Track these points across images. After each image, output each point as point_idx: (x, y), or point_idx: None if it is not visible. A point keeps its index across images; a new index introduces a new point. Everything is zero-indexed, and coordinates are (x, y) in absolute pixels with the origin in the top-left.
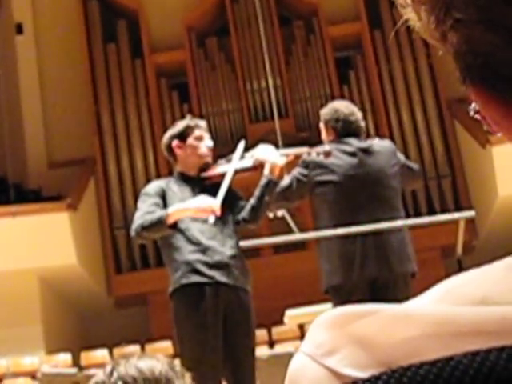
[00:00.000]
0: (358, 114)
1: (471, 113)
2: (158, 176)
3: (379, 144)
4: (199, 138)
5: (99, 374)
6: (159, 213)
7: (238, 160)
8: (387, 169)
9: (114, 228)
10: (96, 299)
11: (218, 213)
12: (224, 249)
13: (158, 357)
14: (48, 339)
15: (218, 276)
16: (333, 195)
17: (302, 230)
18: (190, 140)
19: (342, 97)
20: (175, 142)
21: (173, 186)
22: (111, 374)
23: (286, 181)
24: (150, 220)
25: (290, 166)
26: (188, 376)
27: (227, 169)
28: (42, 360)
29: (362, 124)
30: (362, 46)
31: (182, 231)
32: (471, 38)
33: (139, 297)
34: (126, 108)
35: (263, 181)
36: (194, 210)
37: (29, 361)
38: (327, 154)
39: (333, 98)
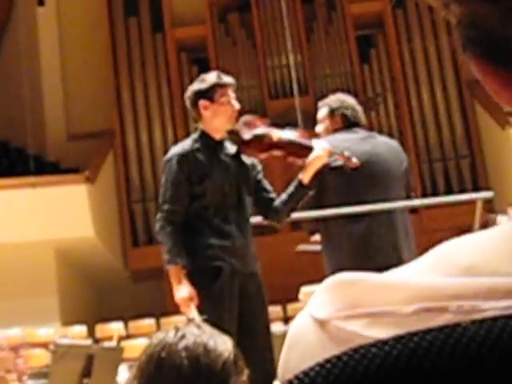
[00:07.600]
0: (349, 102)
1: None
2: None
3: (384, 139)
4: (227, 100)
5: (169, 334)
6: (170, 252)
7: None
8: (392, 161)
9: (131, 201)
10: (112, 272)
11: (195, 306)
12: (242, 235)
13: (227, 344)
14: (63, 311)
15: (235, 261)
16: (338, 182)
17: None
18: (218, 101)
19: (363, 75)
20: (201, 102)
21: (199, 155)
22: (181, 339)
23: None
24: (166, 240)
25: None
26: (246, 373)
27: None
28: (57, 331)
29: (349, 112)
30: (383, 24)
31: (203, 216)
32: (474, 13)
33: (155, 270)
34: (145, 82)
35: (297, 187)
36: (178, 299)
37: (44, 332)
38: (350, 165)
39: (353, 76)
